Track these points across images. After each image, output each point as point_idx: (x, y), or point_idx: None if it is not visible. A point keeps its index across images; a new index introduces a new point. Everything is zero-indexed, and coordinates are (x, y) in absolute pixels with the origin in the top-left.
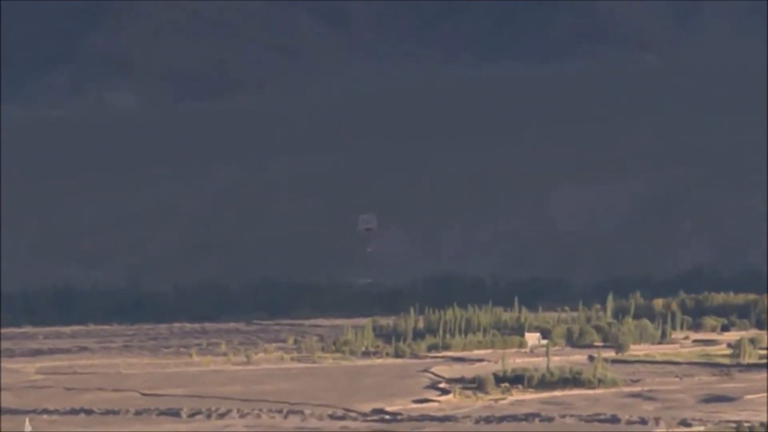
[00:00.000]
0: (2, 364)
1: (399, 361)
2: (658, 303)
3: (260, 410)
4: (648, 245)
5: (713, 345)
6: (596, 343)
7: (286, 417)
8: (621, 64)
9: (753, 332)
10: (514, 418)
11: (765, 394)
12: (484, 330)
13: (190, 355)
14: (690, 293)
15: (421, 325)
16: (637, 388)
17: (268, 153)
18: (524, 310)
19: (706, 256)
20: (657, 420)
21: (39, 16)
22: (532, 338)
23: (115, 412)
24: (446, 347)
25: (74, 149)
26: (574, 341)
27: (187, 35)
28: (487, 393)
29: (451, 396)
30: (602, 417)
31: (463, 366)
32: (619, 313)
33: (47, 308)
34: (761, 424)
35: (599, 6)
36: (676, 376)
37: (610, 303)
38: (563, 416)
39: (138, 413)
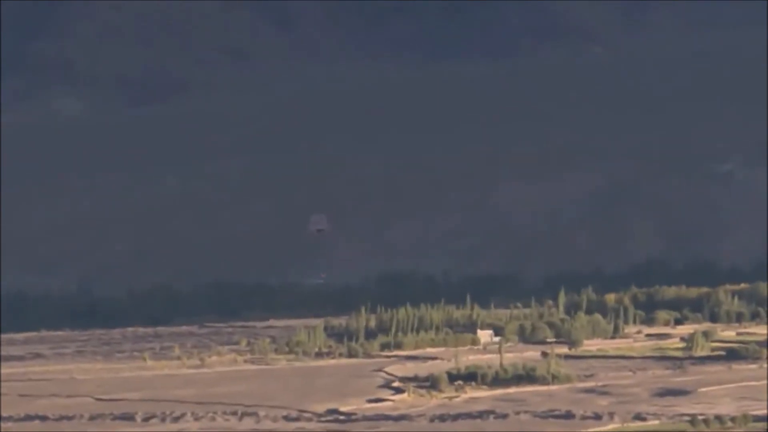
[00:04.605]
0: None
1: (352, 360)
2: (611, 297)
3: (215, 413)
4: (599, 239)
5: (666, 339)
6: (549, 339)
7: (240, 419)
8: (568, 59)
9: (706, 325)
10: (469, 415)
11: (718, 387)
12: (437, 328)
13: (144, 359)
14: (642, 287)
15: (373, 324)
16: (590, 384)
17: (216, 155)
18: (476, 307)
19: (658, 249)
20: (611, 415)
21: None
22: (484, 335)
23: (69, 418)
24: (399, 346)
25: (22, 156)
26: (526, 338)
27: (131, 39)
28: (440, 391)
29: (405, 395)
30: (557, 413)
31: (417, 364)
32: (572, 309)
33: None
34: (715, 416)
35: (545, 2)
36: (630, 371)
37: (562, 298)
38: (518, 413)
39: (92, 418)
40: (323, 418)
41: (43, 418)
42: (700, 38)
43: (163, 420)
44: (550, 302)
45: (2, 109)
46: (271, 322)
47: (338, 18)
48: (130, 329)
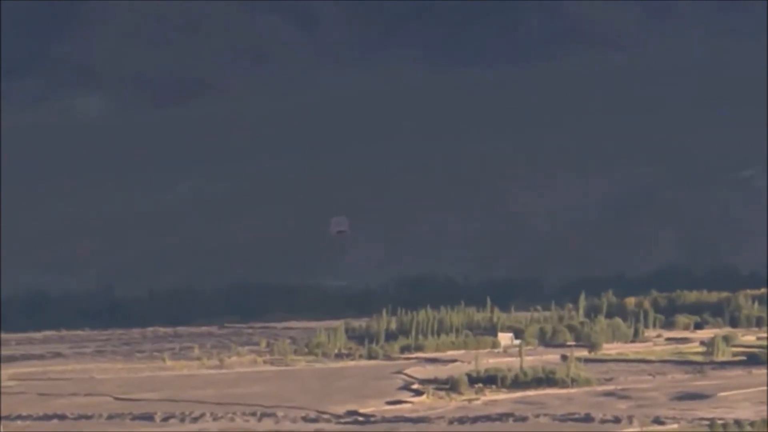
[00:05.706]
0: None
1: (372, 362)
2: (631, 301)
3: (234, 413)
4: (619, 243)
5: (686, 343)
6: (569, 343)
7: (259, 420)
8: (589, 64)
9: (726, 330)
10: (488, 418)
11: (738, 392)
12: (457, 331)
13: (164, 360)
14: (662, 291)
15: (393, 326)
16: (610, 387)
17: (238, 156)
18: (496, 310)
19: (678, 253)
20: (630, 418)
21: (3, 22)
22: (504, 338)
23: (88, 417)
24: (419, 348)
25: (44, 156)
26: (546, 341)
27: (152, 40)
28: (460, 394)
29: (424, 397)
30: (576, 416)
31: (436, 367)
32: (592, 312)
33: (19, 314)
34: (735, 421)
35: (567, 6)
36: (649, 375)
37: (582, 302)
38: (537, 416)
39: (111, 418)
40: (342, 420)
41: (62, 417)
42: (722, 44)
43: (182, 420)
44: (571, 305)
45: (23, 110)
46: (291, 323)
47: (359, 21)
48: (150, 329)
